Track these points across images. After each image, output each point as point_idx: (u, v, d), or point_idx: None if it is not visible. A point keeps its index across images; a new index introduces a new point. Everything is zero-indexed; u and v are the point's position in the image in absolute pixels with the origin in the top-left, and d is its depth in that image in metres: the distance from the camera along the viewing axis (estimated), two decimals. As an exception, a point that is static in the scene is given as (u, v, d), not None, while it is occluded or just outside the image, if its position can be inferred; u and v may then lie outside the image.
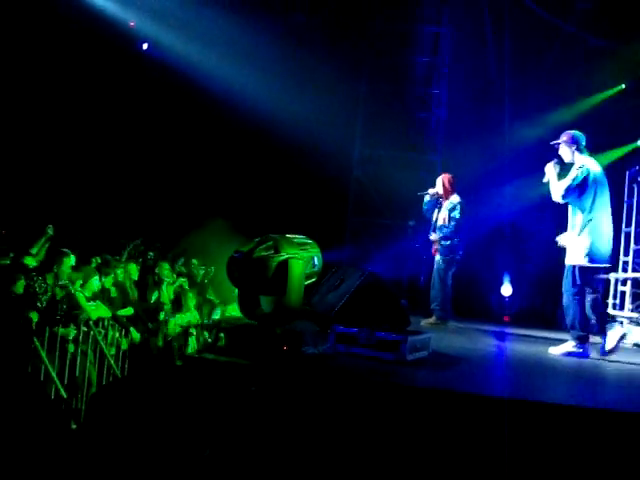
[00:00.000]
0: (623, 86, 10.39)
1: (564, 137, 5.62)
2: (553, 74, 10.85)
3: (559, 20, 10.47)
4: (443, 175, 7.49)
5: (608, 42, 10.23)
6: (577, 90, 10.32)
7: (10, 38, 9.06)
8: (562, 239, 5.73)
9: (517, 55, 10.94)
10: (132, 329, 6.99)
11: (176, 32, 10.36)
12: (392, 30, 11.53)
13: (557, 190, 5.46)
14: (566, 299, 5.45)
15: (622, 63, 10.04)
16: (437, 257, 7.40)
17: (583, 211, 5.39)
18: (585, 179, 5.35)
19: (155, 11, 10.16)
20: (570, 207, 5.56)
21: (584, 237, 5.34)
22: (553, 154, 5.70)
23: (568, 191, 5.37)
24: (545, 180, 5.67)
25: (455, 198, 7.31)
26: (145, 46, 10.89)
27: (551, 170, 5.60)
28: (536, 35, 10.72)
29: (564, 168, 5.66)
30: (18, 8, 9.08)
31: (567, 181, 5.40)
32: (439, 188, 7.39)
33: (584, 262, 5.34)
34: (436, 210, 7.44)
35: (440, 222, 7.34)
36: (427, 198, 7.46)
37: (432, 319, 7.27)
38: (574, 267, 5.38)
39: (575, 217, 5.49)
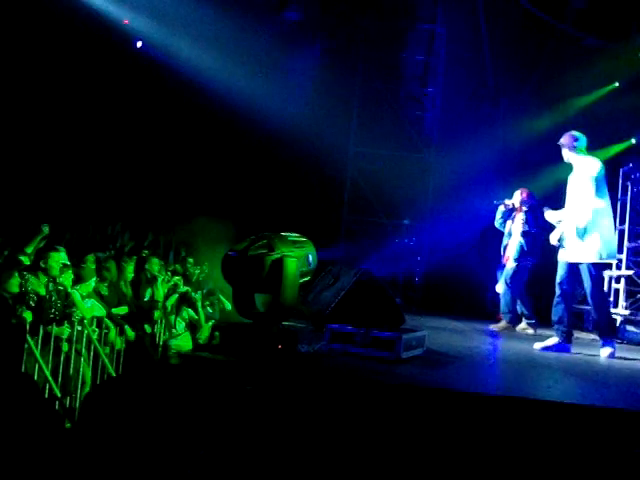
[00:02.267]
0: (617, 84, 10.42)
1: (563, 140, 5.73)
2: (547, 73, 10.87)
3: (553, 19, 10.48)
4: (522, 189, 7.61)
5: (602, 41, 10.25)
6: (571, 88, 10.34)
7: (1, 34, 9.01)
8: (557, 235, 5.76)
9: (511, 54, 10.96)
10: (127, 327, 6.95)
11: (171, 30, 10.33)
12: (386, 28, 11.54)
13: (584, 211, 5.43)
14: (602, 300, 5.56)
15: (616, 61, 10.07)
16: (512, 264, 7.45)
17: (598, 208, 5.44)
18: (602, 177, 5.49)
19: (149, 9, 10.12)
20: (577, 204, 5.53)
21: (602, 234, 5.41)
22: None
23: (593, 201, 5.41)
24: (558, 227, 5.71)
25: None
26: (139, 44, 10.86)
27: (552, 215, 5.78)
28: (531, 34, 10.74)
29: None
30: (10, 3, 9.04)
31: (592, 192, 5.41)
32: (516, 201, 7.52)
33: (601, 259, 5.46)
34: (509, 221, 7.61)
35: (516, 232, 7.51)
36: (502, 208, 7.62)
37: (502, 324, 7.43)
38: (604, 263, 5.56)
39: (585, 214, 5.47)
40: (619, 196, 9.43)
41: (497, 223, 7.74)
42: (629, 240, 9.08)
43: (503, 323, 7.43)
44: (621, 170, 9.50)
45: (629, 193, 9.12)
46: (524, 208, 7.46)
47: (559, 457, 2.99)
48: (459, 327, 7.29)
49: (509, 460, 2.98)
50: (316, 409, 3.15)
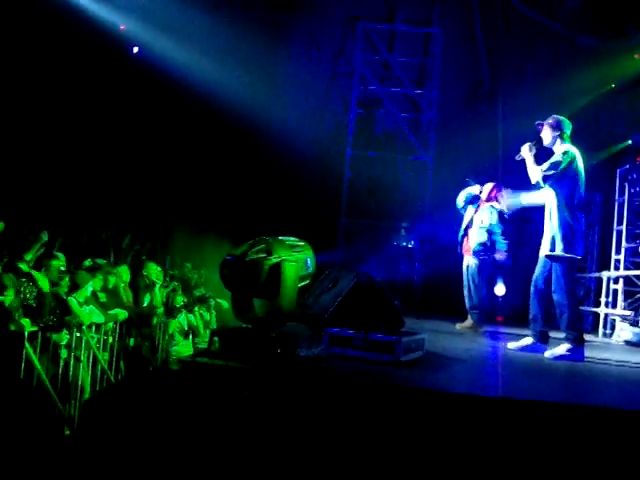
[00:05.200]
0: (613, 85, 10.45)
1: (550, 120, 5.40)
2: (544, 73, 10.89)
3: (549, 20, 10.51)
4: (495, 185, 7.34)
5: (598, 41, 10.28)
6: (568, 89, 10.36)
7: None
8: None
9: (508, 55, 10.99)
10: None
11: (166, 35, 10.33)
12: (382, 30, 11.57)
13: (535, 172, 5.24)
14: (561, 297, 5.13)
15: (612, 62, 10.09)
16: (472, 260, 7.24)
17: (561, 200, 5.18)
18: (569, 166, 5.16)
19: (145, 14, 10.12)
20: (549, 195, 5.30)
21: (563, 227, 5.15)
22: (547, 153, 5.58)
23: (549, 176, 5.16)
24: (518, 158, 5.48)
25: (497, 205, 7.24)
26: (135, 49, 10.85)
27: (526, 151, 5.39)
28: (526, 35, 10.77)
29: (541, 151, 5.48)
30: (7, 8, 9.02)
31: (548, 164, 5.20)
32: (485, 193, 7.29)
33: (570, 253, 5.13)
34: (472, 209, 7.34)
35: (477, 224, 7.26)
36: (469, 190, 7.35)
37: (468, 322, 7.24)
38: (569, 259, 5.15)
39: (553, 205, 5.25)
40: (616, 197, 9.45)
41: (459, 203, 7.41)
42: (627, 241, 9.09)
43: (468, 322, 7.25)
44: (618, 171, 9.51)
45: (626, 194, 9.14)
46: (491, 204, 7.23)
47: (560, 457, 2.99)
48: (458, 330, 7.27)
49: (510, 462, 2.98)
50: (316, 413, 3.15)
